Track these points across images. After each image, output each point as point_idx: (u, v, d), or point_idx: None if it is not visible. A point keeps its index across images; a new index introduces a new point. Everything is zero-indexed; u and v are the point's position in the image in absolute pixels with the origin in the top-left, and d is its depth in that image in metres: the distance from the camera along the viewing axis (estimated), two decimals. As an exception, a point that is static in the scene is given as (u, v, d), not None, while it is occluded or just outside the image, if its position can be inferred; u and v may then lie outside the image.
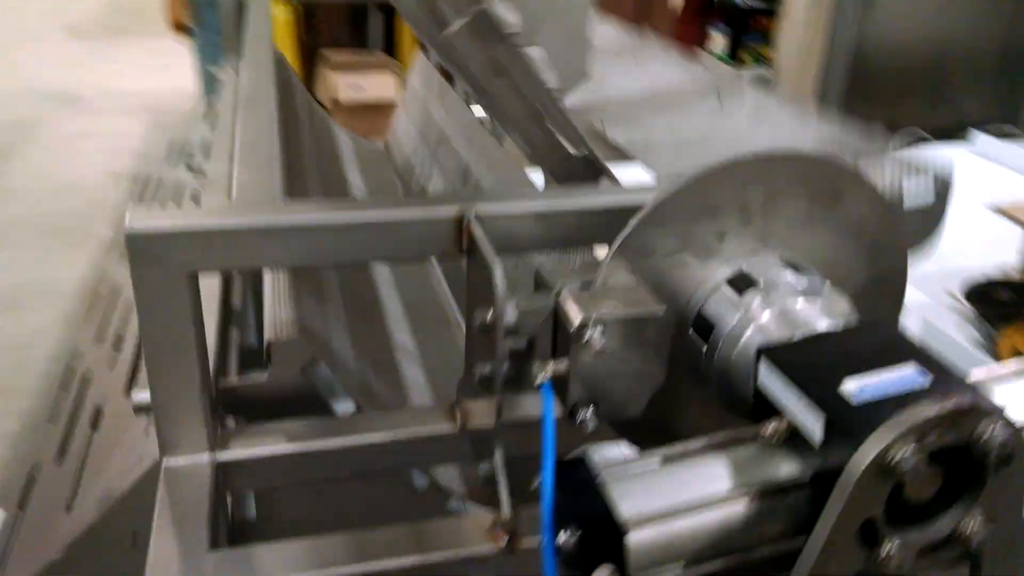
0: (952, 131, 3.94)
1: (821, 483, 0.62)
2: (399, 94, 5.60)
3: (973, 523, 0.60)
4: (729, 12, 5.41)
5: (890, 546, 0.59)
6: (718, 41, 5.27)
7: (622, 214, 0.80)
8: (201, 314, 0.75)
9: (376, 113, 4.65)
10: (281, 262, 0.76)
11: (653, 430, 0.80)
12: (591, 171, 0.94)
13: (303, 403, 0.91)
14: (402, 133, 2.16)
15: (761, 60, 4.98)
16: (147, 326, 0.74)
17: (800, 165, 0.75)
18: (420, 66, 2.21)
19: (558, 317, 0.72)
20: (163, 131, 4.70)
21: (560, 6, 0.82)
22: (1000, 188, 2.34)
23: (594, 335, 0.67)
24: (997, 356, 1.51)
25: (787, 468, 0.64)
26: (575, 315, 0.69)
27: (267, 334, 0.88)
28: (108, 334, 1.40)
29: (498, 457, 0.73)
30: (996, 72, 4.12)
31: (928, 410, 0.56)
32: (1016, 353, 1.46)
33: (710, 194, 0.74)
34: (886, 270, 0.82)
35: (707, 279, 0.77)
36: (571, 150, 0.95)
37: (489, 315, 0.70)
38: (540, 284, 0.77)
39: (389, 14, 6.15)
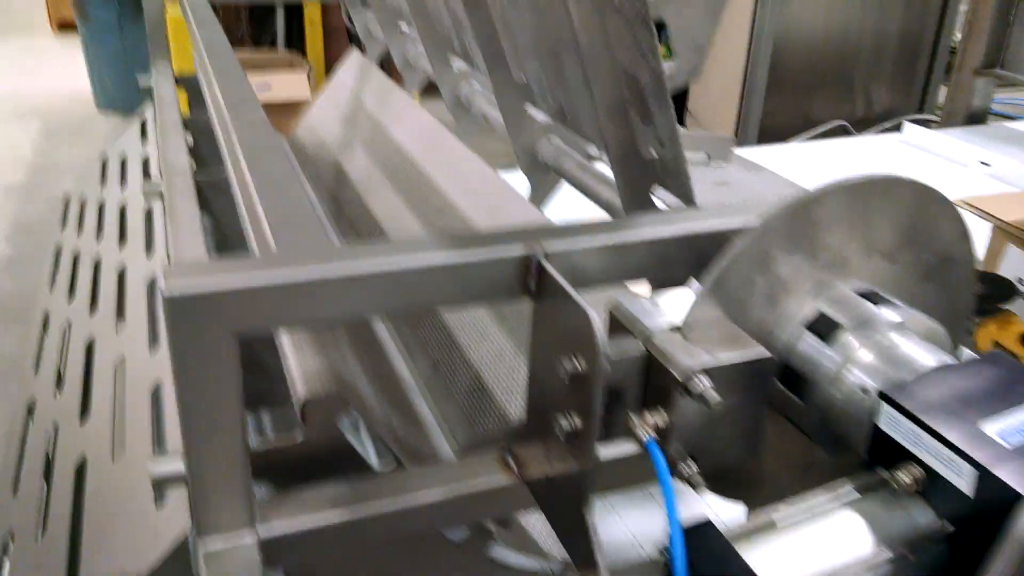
0: (867, 121, 4.06)
1: (968, 535, 0.58)
2: (313, 92, 5.43)
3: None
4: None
5: (1050, 599, 0.55)
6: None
7: (698, 243, 0.76)
8: (242, 377, 0.67)
9: (285, 112, 4.47)
10: (340, 316, 0.68)
11: (735, 477, 0.76)
12: (660, 174, 0.88)
13: (339, 462, 0.83)
14: (320, 124, 2.02)
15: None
16: (187, 396, 0.64)
17: (870, 189, 0.72)
18: (353, 62, 2.09)
19: (653, 365, 0.67)
20: (60, 139, 4.41)
21: None
22: (945, 178, 2.40)
23: (704, 385, 0.62)
24: (975, 348, 1.53)
25: (925, 519, 0.60)
26: (680, 363, 0.63)
27: (300, 389, 0.79)
28: (64, 377, 1.27)
29: (590, 516, 0.67)
30: (898, 63, 4.27)
31: (1099, 459, 0.52)
32: (996, 345, 1.48)
33: (797, 225, 0.70)
34: (956, 282, 0.79)
35: (789, 317, 0.72)
36: (647, 151, 0.88)
37: (581, 365, 0.64)
38: (619, 326, 0.71)
39: (292, 11, 5.95)
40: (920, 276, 0.76)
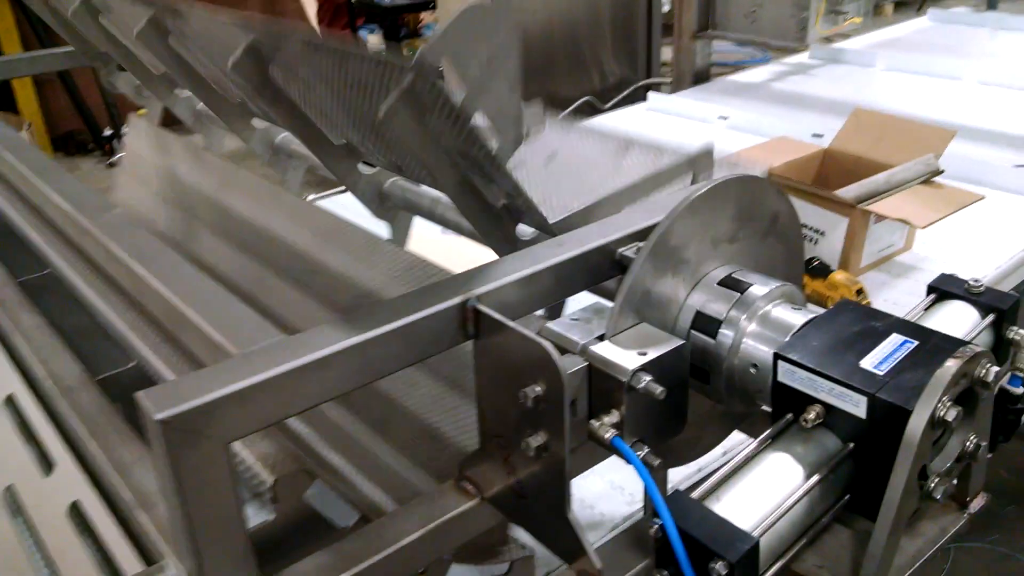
0: (606, 93, 4.39)
1: (866, 448, 0.75)
2: (39, 148, 5.00)
3: (970, 441, 0.77)
4: (374, 12, 5.53)
5: (934, 479, 0.73)
6: (373, 41, 5.37)
7: (590, 258, 0.87)
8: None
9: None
10: (316, 400, 0.72)
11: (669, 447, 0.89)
12: (516, 214, 0.99)
13: (306, 529, 0.87)
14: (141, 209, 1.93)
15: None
16: (193, 511, 0.67)
17: (727, 186, 0.87)
18: (140, 130, 2.01)
19: (595, 372, 0.78)
20: None
21: (493, 74, 0.84)
22: (692, 136, 2.70)
23: (647, 381, 0.74)
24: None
25: (832, 444, 0.76)
26: (624, 367, 0.75)
27: (262, 472, 0.83)
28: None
29: (572, 515, 0.77)
30: (618, 35, 4.66)
31: (950, 367, 0.70)
32: (817, 300, 1.69)
33: (684, 230, 0.83)
34: (791, 244, 0.96)
35: (683, 309, 0.86)
36: (496, 201, 0.98)
37: (541, 388, 0.73)
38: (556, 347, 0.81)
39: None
40: (760, 237, 0.92)
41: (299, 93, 1.10)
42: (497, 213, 1.00)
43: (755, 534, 0.68)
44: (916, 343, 0.76)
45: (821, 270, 1.63)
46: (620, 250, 0.88)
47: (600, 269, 0.89)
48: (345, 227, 1.22)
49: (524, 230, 1.07)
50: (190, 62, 1.34)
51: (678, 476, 1.19)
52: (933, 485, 0.73)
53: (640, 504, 1.21)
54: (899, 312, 0.85)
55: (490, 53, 0.87)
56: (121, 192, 1.76)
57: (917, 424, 0.68)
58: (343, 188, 2.30)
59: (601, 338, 0.80)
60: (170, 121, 1.85)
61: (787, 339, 0.80)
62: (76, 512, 0.99)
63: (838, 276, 1.61)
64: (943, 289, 0.91)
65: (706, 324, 0.84)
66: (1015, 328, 0.87)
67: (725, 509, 0.71)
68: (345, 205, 2.17)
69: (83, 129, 5.98)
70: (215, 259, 1.39)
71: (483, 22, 0.89)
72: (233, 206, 1.41)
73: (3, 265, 1.44)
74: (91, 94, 5.76)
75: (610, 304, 0.84)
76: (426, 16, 6.32)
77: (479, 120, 0.83)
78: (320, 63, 0.93)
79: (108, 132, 5.79)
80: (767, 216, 0.93)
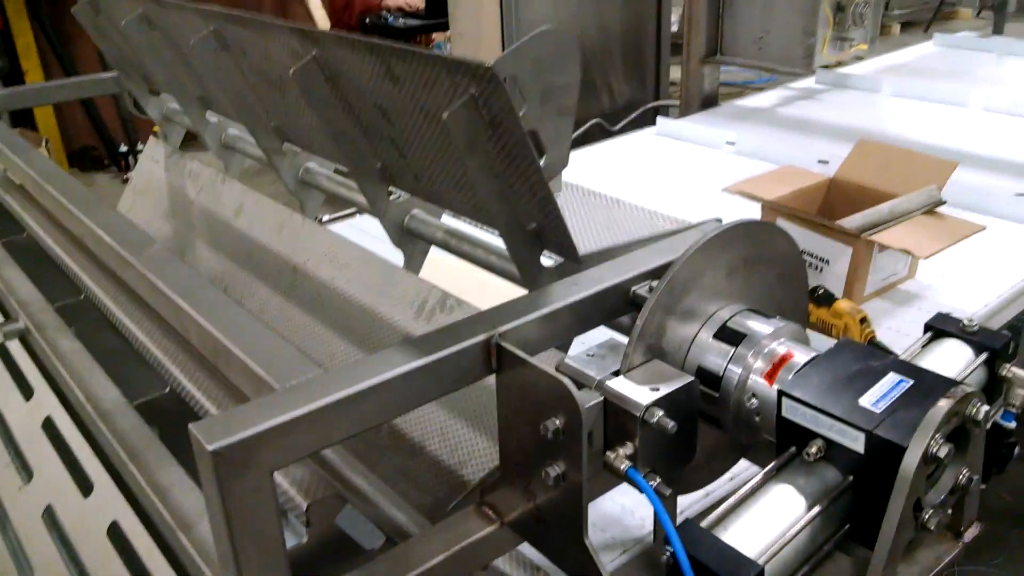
0: (615, 115, 4.44)
1: (864, 481, 0.80)
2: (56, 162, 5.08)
3: (963, 475, 0.82)
4: (386, 32, 5.62)
5: (929, 510, 0.78)
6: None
7: (605, 297, 0.93)
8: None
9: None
10: (351, 431, 0.77)
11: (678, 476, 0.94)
12: (545, 242, 1.06)
13: (333, 550, 0.92)
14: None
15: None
16: (238, 534, 0.72)
17: (737, 230, 0.92)
18: (157, 152, 2.07)
19: (610, 406, 0.83)
20: None
21: (552, 97, 0.90)
22: (701, 161, 2.76)
23: (659, 416, 0.79)
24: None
25: (832, 477, 0.81)
26: (637, 402, 0.80)
27: (296, 496, 0.88)
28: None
29: (588, 540, 0.82)
30: (628, 57, 4.73)
31: (942, 407, 0.75)
32: (822, 327, 1.74)
33: (694, 270, 0.89)
34: (795, 283, 1.02)
35: (692, 343, 0.91)
36: (530, 224, 1.04)
37: (560, 422, 0.78)
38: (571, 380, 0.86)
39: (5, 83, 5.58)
40: (766, 277, 0.97)
41: (350, 107, 1.16)
42: (527, 235, 1.05)
43: (760, 561, 0.73)
44: (911, 382, 0.81)
45: (826, 298, 1.67)
46: (634, 288, 0.93)
47: (615, 306, 0.94)
48: (357, 252, 1.29)
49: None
50: (242, 73, 1.39)
51: (688, 499, 1.25)
52: (928, 516, 0.78)
53: (650, 527, 1.26)
54: (902, 340, 0.90)
55: (552, 79, 0.94)
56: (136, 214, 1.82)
57: (911, 460, 0.73)
58: (354, 210, 2.38)
59: (616, 373, 0.85)
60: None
61: (790, 377, 0.85)
62: (115, 532, 1.04)
63: (842, 304, 1.66)
64: (939, 328, 0.96)
65: (715, 360, 0.89)
66: (1007, 365, 0.92)
67: (732, 537, 0.76)
68: (355, 226, 2.24)
69: (98, 145, 6.07)
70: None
71: (552, 46, 0.96)
72: (240, 226, 1.48)
73: (40, 290, 1.49)
74: (107, 111, 5.85)
75: (624, 340, 0.89)
76: (438, 36, 6.41)
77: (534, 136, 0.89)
78: (381, 67, 0.98)
79: (123, 148, 5.87)
80: (772, 257, 0.98)
